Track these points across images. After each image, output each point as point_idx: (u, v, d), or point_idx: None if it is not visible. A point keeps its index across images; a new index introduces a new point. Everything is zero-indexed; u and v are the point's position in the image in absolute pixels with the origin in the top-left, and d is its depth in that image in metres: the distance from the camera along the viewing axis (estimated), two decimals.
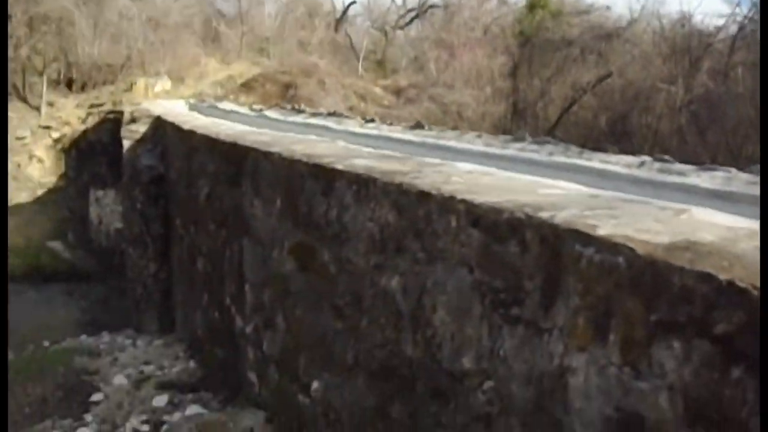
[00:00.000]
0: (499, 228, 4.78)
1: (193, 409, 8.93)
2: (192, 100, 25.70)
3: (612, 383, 3.82)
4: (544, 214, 4.57)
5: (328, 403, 6.92)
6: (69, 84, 36.55)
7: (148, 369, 11.65)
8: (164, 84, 34.98)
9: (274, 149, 7.94)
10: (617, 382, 3.78)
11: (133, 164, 16.32)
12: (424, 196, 5.48)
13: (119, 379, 11.14)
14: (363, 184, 6.10)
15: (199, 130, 11.41)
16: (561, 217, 4.49)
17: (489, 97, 31.43)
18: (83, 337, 16.50)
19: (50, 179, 32.00)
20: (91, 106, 34.68)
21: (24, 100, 35.08)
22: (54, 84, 36.08)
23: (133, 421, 9.01)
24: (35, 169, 32.29)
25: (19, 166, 32.23)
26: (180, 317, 14.30)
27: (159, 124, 16.64)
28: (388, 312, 5.88)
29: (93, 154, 26.74)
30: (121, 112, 26.91)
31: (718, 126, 25.69)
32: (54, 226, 28.46)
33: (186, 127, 12.68)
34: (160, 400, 9.74)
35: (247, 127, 12.05)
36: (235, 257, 9.01)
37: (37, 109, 34.67)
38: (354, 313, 6.44)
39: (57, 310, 21.95)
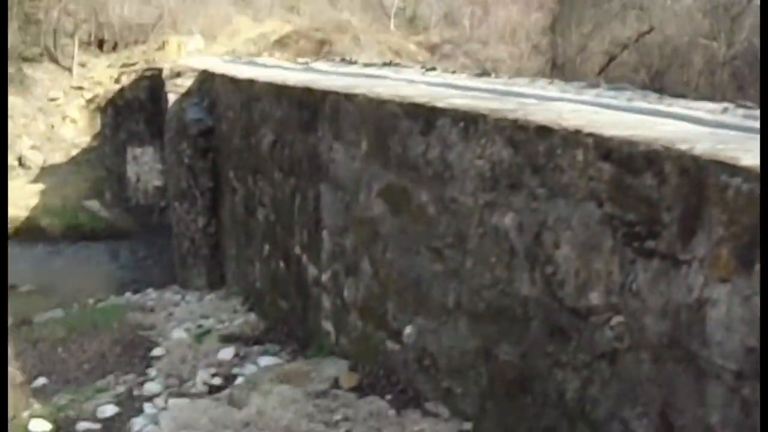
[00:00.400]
0: (634, 160, 4.53)
1: (267, 360, 8.70)
2: (227, 58, 25.48)
3: (757, 314, 3.62)
4: (682, 146, 4.34)
5: (422, 348, 6.72)
6: (100, 45, 36.28)
7: (207, 323, 11.38)
8: (197, 42, 34.69)
9: (358, 91, 7.69)
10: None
11: (180, 118, 15.87)
12: (544, 130, 5.20)
13: (178, 334, 10.91)
14: (471, 120, 5.84)
15: (262, 79, 11.17)
16: (700, 149, 4.27)
17: (525, 53, 30.97)
18: (128, 294, 16.28)
19: (84, 139, 31.82)
20: (123, 65, 34.44)
21: (56, 61, 34.89)
22: (85, 45, 35.83)
23: (202, 375, 8.77)
24: (69, 130, 32.13)
25: (52, 127, 32.12)
26: (232, 271, 14.08)
27: (205, 78, 16.31)
28: (499, 251, 5.63)
29: (130, 111, 26.61)
30: (159, 70, 26.65)
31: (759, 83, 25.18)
32: (90, 185, 28.32)
33: (243, 76, 12.42)
34: (226, 353, 9.48)
35: (313, 75, 11.80)
36: (308, 204, 8.76)
37: (69, 70, 34.47)
38: (456, 255, 6.20)
39: (98, 268, 21.93)
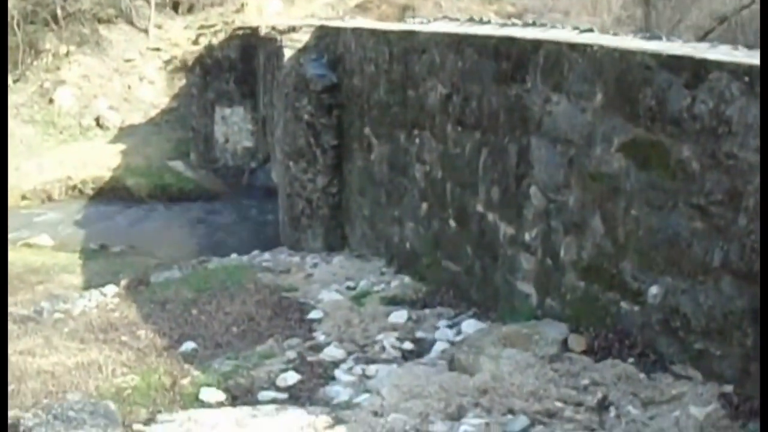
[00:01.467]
0: None
1: (471, 324, 8.11)
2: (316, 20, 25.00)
3: None
4: None
5: (670, 308, 6.21)
6: (175, 6, 36.02)
7: (359, 285, 10.91)
8: (276, 5, 34.32)
9: (588, 42, 7.14)
10: None
11: (299, 74, 15.25)
12: None
13: (330, 296, 10.29)
14: (755, 76, 5.38)
15: (428, 29, 10.65)
16: None
17: (611, 25, 30.17)
18: (234, 255, 15.82)
19: (163, 100, 31.60)
20: (201, 27, 34.18)
21: (131, 23, 34.68)
22: (160, 7, 35.62)
23: (387, 339, 8.20)
24: (146, 91, 31.91)
25: (129, 87, 31.90)
26: (362, 232, 13.59)
27: (324, 33, 15.88)
28: None
29: (219, 71, 26.08)
30: (252, 29, 26.33)
31: None
32: (172, 146, 28.03)
33: (397, 28, 11.92)
34: (398, 317, 8.85)
35: (476, 28, 11.25)
36: (507, 159, 8.21)
37: (145, 31, 34.24)
38: (726, 212, 5.70)
39: (189, 230, 21.60)
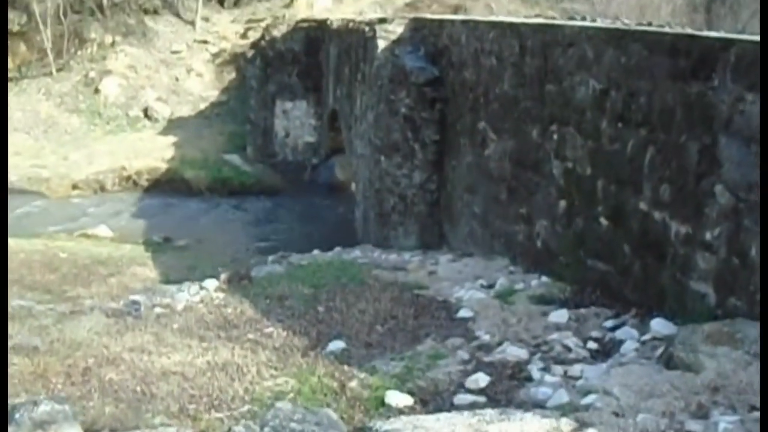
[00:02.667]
0: None
1: (660, 324, 7.95)
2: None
3: None
4: None
5: None
6: (221, 0, 36.21)
7: (501, 283, 10.66)
8: (325, 1, 34.40)
9: None
10: None
11: (396, 66, 15.14)
12: None
13: (470, 294, 10.08)
14: None
15: (574, 23, 10.59)
16: None
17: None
18: (316, 251, 15.54)
19: (211, 93, 31.66)
20: (249, 21, 34.27)
21: (177, 14, 34.77)
22: (205, 0, 35.81)
23: (564, 339, 8.02)
24: (194, 83, 31.96)
25: (177, 79, 31.96)
26: (468, 230, 13.50)
27: (420, 26, 15.83)
28: None
29: (282, 63, 26.10)
30: (319, 21, 26.31)
31: None
32: (225, 139, 28.07)
33: (527, 21, 11.87)
34: (559, 316, 8.69)
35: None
36: (683, 157, 8.15)
37: (192, 23, 34.34)
38: None
39: (255, 225, 21.59)
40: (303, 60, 25.92)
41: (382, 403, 6.45)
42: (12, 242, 16.10)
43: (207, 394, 6.67)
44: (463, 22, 14.07)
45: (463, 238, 13.69)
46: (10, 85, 32.55)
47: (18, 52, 35.32)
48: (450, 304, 9.70)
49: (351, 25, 21.16)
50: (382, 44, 15.78)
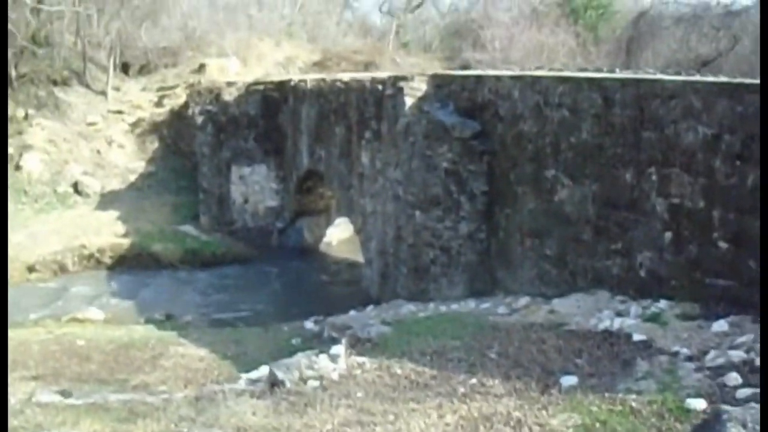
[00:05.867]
0: None
1: None
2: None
3: None
4: None
5: None
6: (125, 69, 36.69)
7: (633, 311, 11.68)
8: (235, 64, 35.50)
9: None
10: None
11: (431, 121, 16.50)
12: None
13: (620, 322, 11.22)
14: None
15: (669, 78, 12.24)
16: None
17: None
18: (352, 312, 16.73)
19: (137, 164, 32.09)
20: (160, 89, 34.97)
21: (86, 85, 35.13)
22: (106, 69, 36.27)
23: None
24: (117, 155, 32.39)
25: (98, 152, 32.30)
26: (536, 272, 14.62)
27: (445, 82, 17.36)
28: None
29: (237, 128, 26.95)
30: (275, 83, 27.28)
31: None
32: (170, 210, 28.55)
33: (610, 77, 13.48)
34: (718, 326, 9.99)
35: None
36: None
37: (103, 93, 34.77)
38: None
39: (254, 294, 22.33)
40: (260, 123, 26.76)
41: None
42: (11, 333, 15.65)
43: None
44: (514, 77, 15.66)
45: (528, 280, 15.16)
46: None
47: None
48: (612, 333, 10.97)
49: (343, 83, 22.25)
50: (409, 101, 17.10)
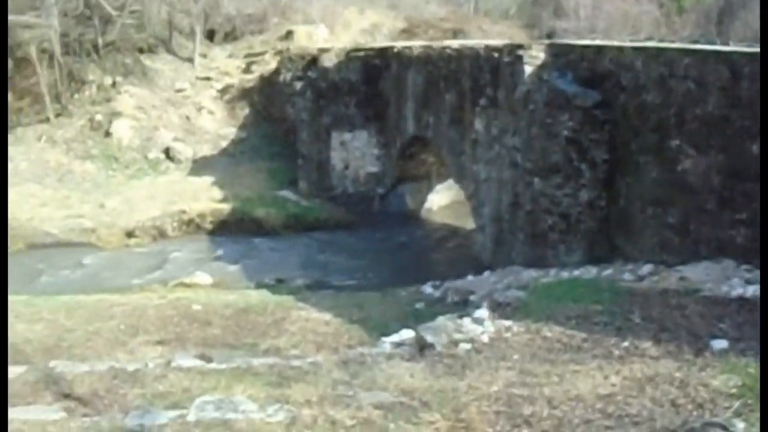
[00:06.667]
0: None
1: None
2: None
3: None
4: None
5: None
6: (210, 36, 37.73)
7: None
8: (322, 32, 36.29)
9: None
10: None
11: (552, 89, 17.14)
12: None
13: (754, 290, 11.69)
14: None
15: None
16: None
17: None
18: (469, 277, 17.56)
19: (228, 130, 33.14)
20: (247, 55, 36.03)
21: (172, 52, 36.24)
22: (193, 36, 37.28)
23: None
24: (207, 121, 33.47)
25: (188, 118, 33.39)
26: (658, 240, 15.45)
27: (563, 51, 18.04)
28: None
29: (337, 94, 27.54)
30: (377, 50, 27.98)
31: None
32: (266, 176, 29.49)
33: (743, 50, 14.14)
34: None
35: None
36: None
37: (189, 60, 35.89)
38: None
39: (364, 257, 23.05)
40: (361, 89, 27.35)
41: None
42: (122, 298, 17.03)
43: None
44: (637, 49, 16.42)
45: (649, 248, 15.96)
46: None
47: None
48: (747, 300, 11.52)
49: (453, 50, 23.10)
50: (528, 69, 17.91)
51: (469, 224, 22.83)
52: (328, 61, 27.82)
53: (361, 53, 27.94)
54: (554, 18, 41.05)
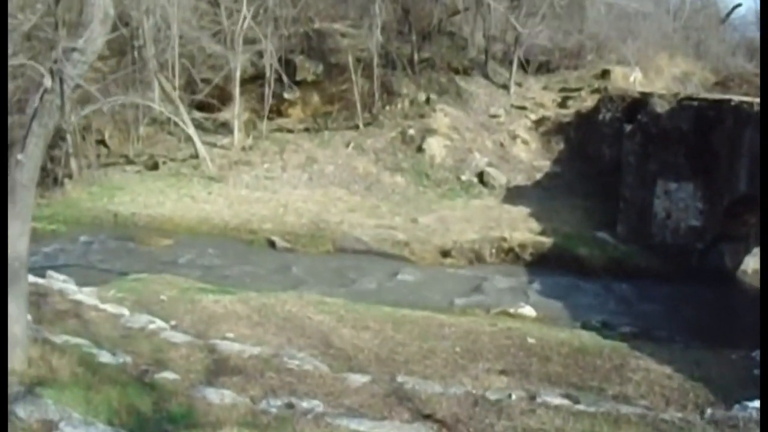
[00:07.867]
0: None
1: None
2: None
3: None
4: None
5: None
6: (522, 65, 39.01)
7: None
8: (637, 74, 36.98)
9: None
10: None
11: None
12: None
13: None
14: None
15: None
16: None
17: None
18: None
19: (543, 163, 34.16)
20: (562, 89, 37.10)
21: (487, 77, 37.76)
22: (507, 64, 38.67)
23: None
24: (521, 150, 34.67)
25: (502, 145, 34.68)
26: None
27: None
28: None
29: (667, 142, 27.94)
30: (708, 100, 27.89)
31: None
32: (583, 214, 30.24)
33: None
34: None
35: None
36: None
37: (504, 87, 37.30)
38: None
39: (700, 313, 23.15)
40: (691, 139, 27.44)
41: None
42: (451, 318, 17.76)
43: None
44: None
45: None
46: (309, 135, 35.87)
47: (310, 102, 38.67)
48: None
49: None
50: None
51: None
52: (660, 106, 28.27)
53: (695, 102, 28.06)
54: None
